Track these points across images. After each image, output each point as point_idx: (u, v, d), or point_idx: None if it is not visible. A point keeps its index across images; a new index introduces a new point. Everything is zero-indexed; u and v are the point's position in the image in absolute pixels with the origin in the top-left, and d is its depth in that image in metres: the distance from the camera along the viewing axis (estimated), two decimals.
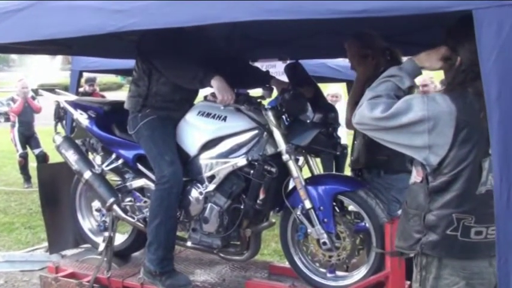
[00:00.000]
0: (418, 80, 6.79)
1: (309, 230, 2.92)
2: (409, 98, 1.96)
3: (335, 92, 7.20)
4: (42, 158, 9.34)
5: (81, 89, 8.35)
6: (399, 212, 3.13)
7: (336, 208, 2.97)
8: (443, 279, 1.99)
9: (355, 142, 3.43)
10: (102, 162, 3.58)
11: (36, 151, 9.54)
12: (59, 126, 12.25)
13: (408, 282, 2.79)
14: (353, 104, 3.25)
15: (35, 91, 10.74)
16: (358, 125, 2.07)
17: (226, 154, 3.09)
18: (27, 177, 9.67)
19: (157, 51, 3.08)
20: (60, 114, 16.12)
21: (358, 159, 3.39)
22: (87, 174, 3.50)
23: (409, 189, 2.17)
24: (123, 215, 3.44)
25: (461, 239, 1.93)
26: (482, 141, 1.82)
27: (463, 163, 1.89)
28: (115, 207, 3.42)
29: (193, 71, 2.98)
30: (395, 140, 1.98)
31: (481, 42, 1.65)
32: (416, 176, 2.08)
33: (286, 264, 3.31)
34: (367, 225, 2.88)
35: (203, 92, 3.65)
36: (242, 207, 3.06)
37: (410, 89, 2.10)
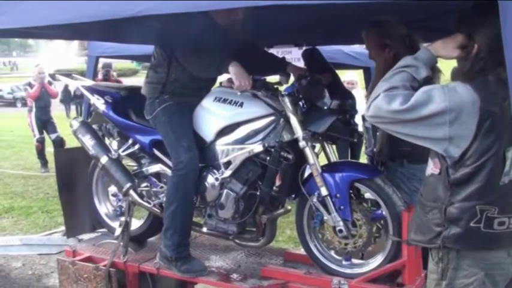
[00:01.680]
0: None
1: (325, 217, 2.91)
2: (429, 88, 1.90)
3: (351, 79, 7.14)
4: (58, 143, 9.43)
5: (100, 76, 8.39)
6: None
7: (353, 195, 2.95)
8: (462, 270, 1.97)
9: (377, 133, 3.38)
10: (119, 148, 3.60)
11: (53, 136, 9.63)
12: (71, 109, 12.31)
13: (425, 271, 2.77)
14: None
15: (52, 76, 10.81)
16: (373, 118, 2.01)
17: (243, 140, 3.08)
18: (44, 162, 9.77)
19: (177, 39, 3.06)
20: (66, 97, 16.17)
21: (381, 151, 3.36)
22: (103, 159, 3.52)
23: (425, 182, 2.12)
24: (139, 200, 3.45)
25: (484, 230, 1.90)
26: (506, 131, 1.78)
27: (486, 154, 1.84)
28: (131, 192, 3.43)
29: (210, 58, 2.96)
30: (413, 132, 1.93)
31: (506, 29, 1.60)
32: (433, 168, 2.04)
33: (302, 251, 3.30)
34: (383, 213, 2.86)
35: (220, 79, 3.63)
36: (258, 193, 3.05)
37: (426, 79, 2.05)
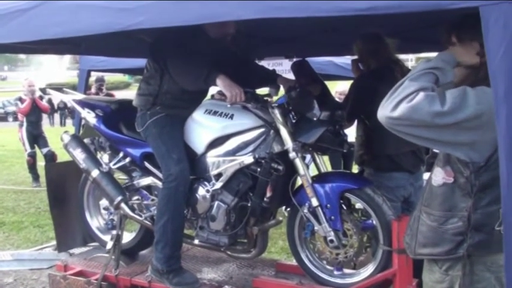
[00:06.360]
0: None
1: (316, 228, 2.92)
2: (462, 91, 1.77)
3: (342, 90, 7.16)
4: (50, 157, 9.40)
5: (93, 90, 8.39)
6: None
7: (343, 206, 2.96)
8: (475, 275, 1.92)
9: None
10: (110, 161, 3.60)
11: (44, 150, 9.60)
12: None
13: (416, 280, 2.78)
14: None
15: (43, 90, 10.80)
16: (398, 120, 1.77)
17: (233, 152, 3.09)
18: (35, 177, 9.72)
19: (169, 50, 3.08)
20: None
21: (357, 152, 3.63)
22: (94, 173, 3.52)
23: (432, 192, 2.00)
24: (130, 213, 3.45)
25: (502, 233, 1.81)
26: None
27: None
28: (122, 205, 3.44)
29: (197, 71, 2.98)
30: (438, 137, 1.79)
31: (488, 39, 1.63)
32: (445, 177, 1.94)
33: (293, 262, 3.31)
34: (374, 222, 2.87)
35: (212, 91, 3.66)
36: (249, 205, 3.06)
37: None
